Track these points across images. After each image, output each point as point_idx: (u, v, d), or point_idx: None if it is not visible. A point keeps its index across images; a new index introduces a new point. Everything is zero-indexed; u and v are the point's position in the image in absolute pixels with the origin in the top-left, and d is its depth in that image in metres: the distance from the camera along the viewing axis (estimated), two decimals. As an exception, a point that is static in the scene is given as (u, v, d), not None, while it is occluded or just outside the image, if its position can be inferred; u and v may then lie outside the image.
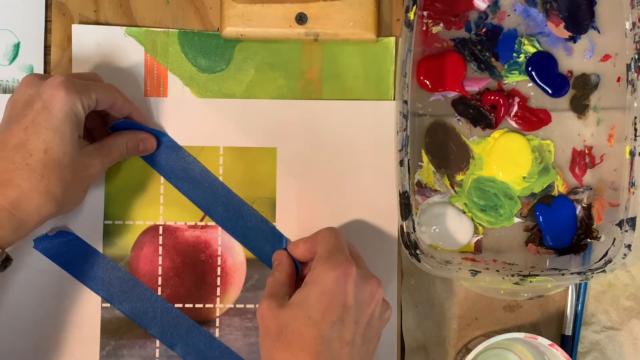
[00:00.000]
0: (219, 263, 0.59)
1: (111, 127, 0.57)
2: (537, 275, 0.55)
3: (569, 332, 0.60)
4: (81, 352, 0.58)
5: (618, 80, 0.58)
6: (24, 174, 0.50)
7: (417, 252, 0.54)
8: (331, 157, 0.60)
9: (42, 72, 0.60)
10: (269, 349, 0.49)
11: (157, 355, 0.58)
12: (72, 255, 0.58)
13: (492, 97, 0.60)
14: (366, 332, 0.49)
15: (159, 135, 0.59)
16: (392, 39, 0.60)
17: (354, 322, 0.48)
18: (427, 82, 0.60)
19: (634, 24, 0.55)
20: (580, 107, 0.60)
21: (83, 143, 0.54)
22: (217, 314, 0.59)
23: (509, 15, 0.60)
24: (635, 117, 0.55)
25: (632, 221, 0.55)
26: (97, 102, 0.53)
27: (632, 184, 0.55)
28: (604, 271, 0.55)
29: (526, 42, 0.60)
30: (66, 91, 0.51)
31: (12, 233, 0.50)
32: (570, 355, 0.58)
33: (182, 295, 0.59)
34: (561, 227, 0.59)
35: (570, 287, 0.60)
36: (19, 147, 0.50)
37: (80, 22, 0.60)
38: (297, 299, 0.49)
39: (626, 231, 0.55)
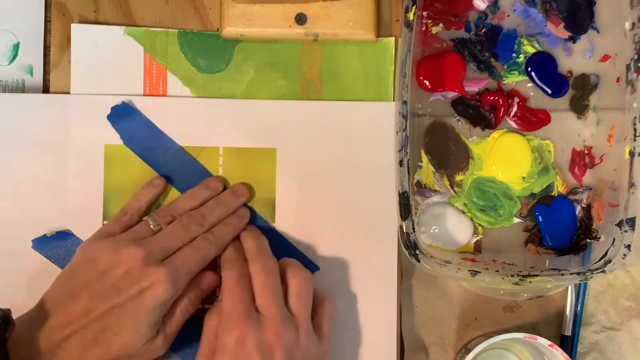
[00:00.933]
0: (219, 263, 0.59)
1: (109, 115, 0.58)
2: (536, 276, 0.55)
3: (568, 332, 0.60)
4: (80, 352, 0.58)
5: (618, 80, 0.58)
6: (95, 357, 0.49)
7: (417, 252, 0.54)
8: (331, 157, 0.60)
9: (41, 72, 0.59)
10: None
11: (156, 355, 0.58)
12: (72, 256, 0.58)
13: (492, 98, 0.60)
14: None
15: (160, 136, 0.59)
16: (392, 39, 0.60)
17: None
18: (427, 83, 0.60)
19: (633, 24, 0.55)
20: (579, 107, 0.60)
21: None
22: (217, 314, 0.59)
23: (508, 16, 0.60)
24: (635, 117, 0.55)
25: (631, 221, 0.55)
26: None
27: (631, 184, 0.55)
28: (603, 271, 0.54)
29: (526, 42, 0.60)
30: (165, 290, 0.50)
31: None
32: (570, 356, 0.58)
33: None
34: (561, 228, 0.59)
35: (569, 287, 0.60)
36: (100, 328, 0.49)
37: (80, 22, 0.60)
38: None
39: (626, 231, 0.55)
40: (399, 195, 0.54)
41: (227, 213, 0.57)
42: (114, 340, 0.49)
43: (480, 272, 0.55)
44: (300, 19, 0.58)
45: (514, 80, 0.60)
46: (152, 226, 0.54)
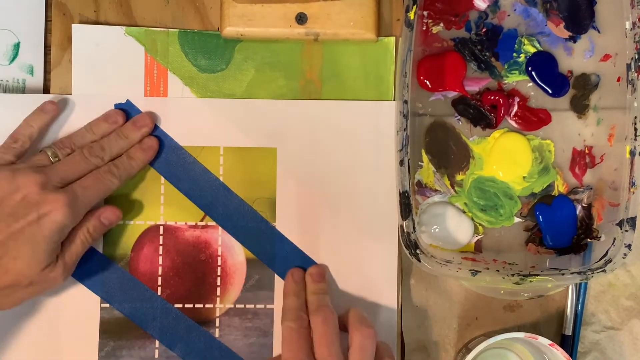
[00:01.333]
0: (219, 263, 0.59)
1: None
2: (537, 275, 0.55)
3: (569, 332, 0.60)
4: (80, 352, 0.58)
5: (618, 80, 0.58)
6: None
7: (417, 252, 0.54)
8: (331, 157, 0.60)
9: (42, 71, 0.59)
10: None
11: (156, 355, 0.58)
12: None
13: (492, 97, 0.60)
14: None
15: (160, 137, 0.59)
16: (392, 38, 0.60)
17: None
18: (427, 82, 0.60)
19: (634, 23, 0.55)
20: (580, 107, 0.60)
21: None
22: (217, 314, 0.59)
23: (509, 15, 0.60)
24: (635, 117, 0.55)
25: (632, 221, 0.55)
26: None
27: (632, 184, 0.55)
28: (604, 271, 0.54)
29: (526, 41, 0.60)
30: (64, 216, 0.51)
31: None
32: (571, 355, 0.58)
33: (182, 295, 0.59)
34: (561, 227, 0.59)
35: (570, 286, 0.60)
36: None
37: (80, 22, 0.60)
38: None
39: (626, 231, 0.55)
40: (400, 194, 0.54)
41: (130, 145, 0.57)
42: (13, 266, 0.50)
43: (480, 271, 0.55)
44: (301, 19, 0.58)
45: (514, 79, 0.60)
46: (50, 157, 0.55)
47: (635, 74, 0.55)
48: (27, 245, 0.50)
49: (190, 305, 0.59)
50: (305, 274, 0.58)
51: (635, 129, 0.55)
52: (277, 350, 0.59)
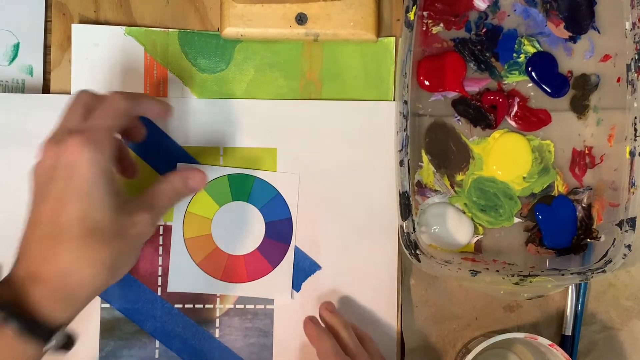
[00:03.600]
0: (219, 263, 0.59)
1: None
2: (537, 276, 0.55)
3: (569, 332, 0.60)
4: (80, 352, 0.58)
5: (618, 80, 0.58)
6: (66, 247, 0.46)
7: (417, 252, 0.54)
8: (331, 157, 0.60)
9: (41, 72, 0.59)
10: None
11: (156, 355, 0.58)
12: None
13: (492, 97, 0.60)
14: None
15: (161, 136, 0.59)
16: (392, 39, 0.60)
17: None
18: (427, 83, 0.60)
19: (634, 24, 0.55)
20: (580, 108, 0.60)
21: (125, 199, 0.49)
22: (217, 314, 0.59)
23: (509, 16, 0.60)
24: (635, 117, 0.55)
25: (632, 221, 0.55)
26: (122, 139, 0.53)
27: (632, 184, 0.55)
28: (604, 271, 0.55)
29: (526, 42, 0.60)
30: (88, 151, 0.46)
31: (61, 310, 0.46)
32: (571, 356, 0.58)
33: (182, 296, 0.59)
34: (561, 227, 0.59)
35: (570, 287, 0.60)
36: (54, 221, 0.46)
37: (80, 22, 0.60)
38: None
39: (626, 231, 0.55)
40: (400, 195, 0.54)
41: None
42: (72, 214, 0.46)
43: (480, 272, 0.55)
44: (301, 19, 0.58)
45: (514, 80, 0.60)
46: None
47: (635, 75, 0.55)
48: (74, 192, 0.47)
49: (191, 306, 0.59)
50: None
51: (635, 130, 0.55)
52: (277, 350, 0.59)
